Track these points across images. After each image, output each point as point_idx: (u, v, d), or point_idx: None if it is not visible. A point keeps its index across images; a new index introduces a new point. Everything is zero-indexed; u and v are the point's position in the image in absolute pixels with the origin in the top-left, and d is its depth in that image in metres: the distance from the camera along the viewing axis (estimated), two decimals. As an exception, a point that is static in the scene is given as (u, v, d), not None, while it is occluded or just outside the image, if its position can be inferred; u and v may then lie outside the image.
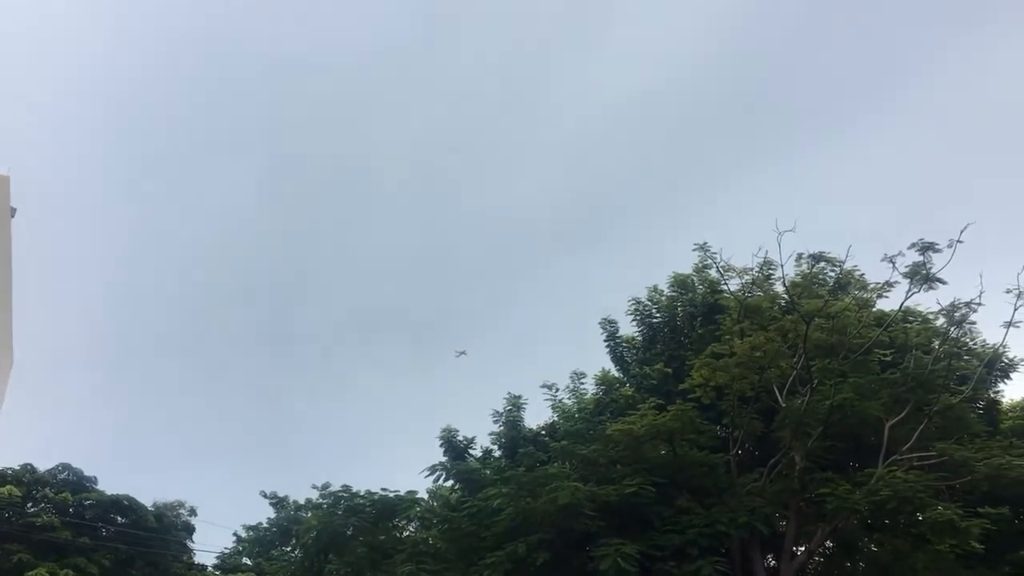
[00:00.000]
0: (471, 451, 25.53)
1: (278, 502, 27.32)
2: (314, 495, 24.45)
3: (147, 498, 56.98)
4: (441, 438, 25.42)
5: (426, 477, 23.61)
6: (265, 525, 25.88)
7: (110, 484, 55.29)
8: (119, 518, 55.06)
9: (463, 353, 28.86)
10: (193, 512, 60.14)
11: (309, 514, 24.25)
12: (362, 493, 23.09)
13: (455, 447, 25.28)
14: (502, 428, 25.26)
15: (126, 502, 54.90)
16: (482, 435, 25.79)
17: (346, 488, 23.28)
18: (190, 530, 59.72)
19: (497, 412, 25.55)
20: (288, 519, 25.67)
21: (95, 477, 55.62)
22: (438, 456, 25.17)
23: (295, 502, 27.18)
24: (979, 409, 24.14)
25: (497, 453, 25.47)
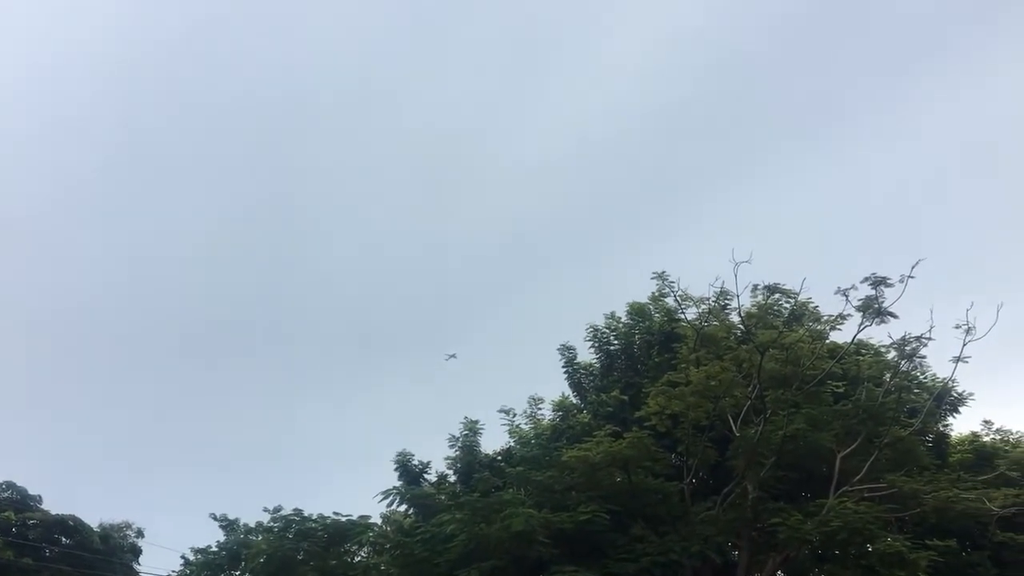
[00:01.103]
0: (426, 476, 25.33)
1: (228, 525, 26.74)
2: (265, 518, 24.02)
3: (93, 518, 55.59)
4: (396, 462, 25.20)
5: (380, 501, 23.41)
6: (214, 548, 25.33)
7: (56, 503, 53.87)
8: (64, 539, 53.58)
9: (453, 356, 28.50)
10: (140, 533, 58.75)
11: (259, 538, 23.79)
12: (314, 517, 22.74)
13: (410, 471, 25.07)
14: (458, 453, 25.11)
15: (71, 522, 53.45)
16: (438, 459, 25.64)
17: (298, 512, 22.92)
18: (137, 552, 58.29)
19: (453, 436, 25.42)
20: (238, 542, 25.12)
21: (40, 496, 54.14)
22: (392, 480, 24.96)
23: (245, 525, 26.63)
24: (928, 442, 24.57)
25: (452, 478, 25.28)
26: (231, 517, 26.79)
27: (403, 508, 24.20)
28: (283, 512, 23.08)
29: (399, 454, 25.31)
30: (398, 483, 24.42)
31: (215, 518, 26.86)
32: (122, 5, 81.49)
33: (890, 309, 19.94)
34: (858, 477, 20.12)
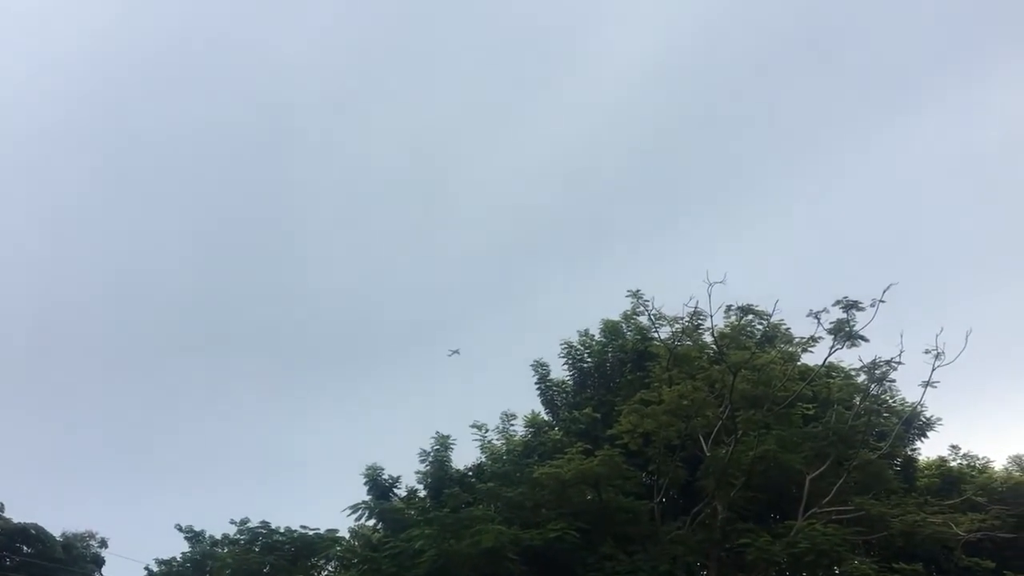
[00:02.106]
0: (396, 490, 25.12)
1: (193, 536, 26.43)
2: (231, 530, 23.74)
3: (56, 527, 54.60)
4: (366, 476, 24.96)
5: (348, 515, 23.20)
6: (179, 560, 25.01)
7: (17, 511, 52.84)
8: (25, 548, 52.55)
9: (456, 352, 28.20)
10: (104, 543, 57.72)
11: (225, 550, 23.51)
12: (281, 530, 22.53)
13: (379, 485, 24.85)
14: (428, 468, 24.93)
15: (33, 531, 52.42)
16: (408, 474, 25.43)
17: (265, 524, 22.69)
18: (99, 563, 57.25)
19: (424, 451, 25.25)
20: (203, 554, 24.85)
21: (1, 503, 53.15)
22: (362, 494, 24.73)
23: (211, 537, 26.30)
24: (896, 466, 24.78)
25: (422, 493, 25.10)
26: (197, 528, 26.49)
27: (372, 522, 23.99)
28: (250, 524, 22.86)
29: (369, 468, 25.09)
30: (367, 497, 24.20)
31: (180, 529, 26.55)
32: (109, 12, 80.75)
33: (861, 333, 20.13)
34: (827, 499, 20.23)
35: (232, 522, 23.47)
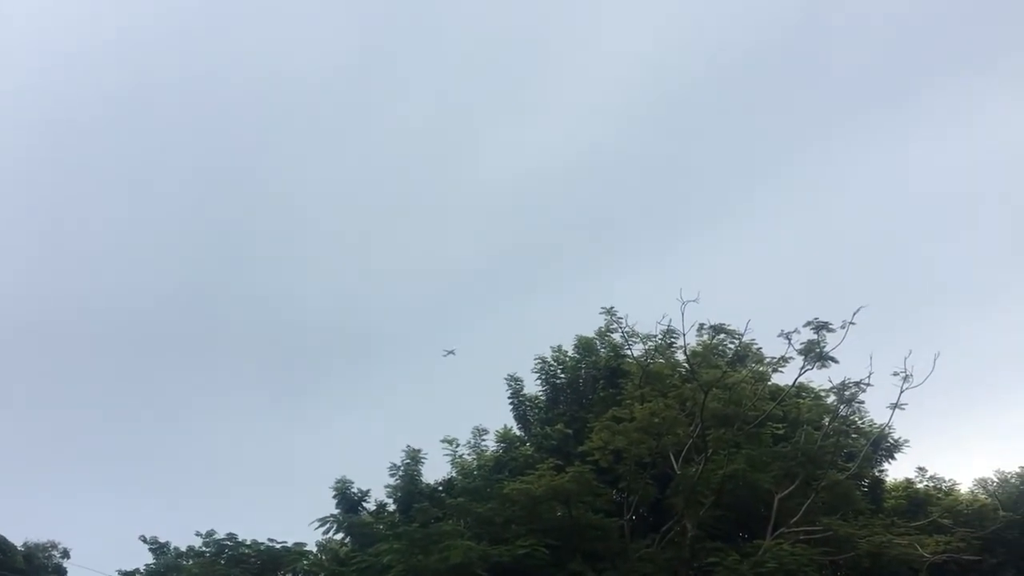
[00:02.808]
0: (365, 504, 24.92)
1: (158, 548, 25.97)
2: (197, 542, 23.40)
3: (17, 536, 53.58)
4: (335, 489, 24.75)
5: (316, 529, 22.99)
6: (142, 572, 24.58)
7: (-21, 520, 51.79)
8: (-16, 557, 51.54)
9: (451, 352, 28.02)
10: (66, 554, 56.62)
11: (190, 562, 23.16)
12: (248, 542, 22.24)
13: (348, 499, 24.63)
14: (398, 482, 24.77)
15: (-7, 540, 51.51)
16: (378, 488, 25.24)
17: (231, 536, 22.40)
18: (62, 573, 56.13)
19: (395, 465, 25.09)
20: (168, 566, 24.42)
21: (-39, 512, 52.09)
22: (331, 507, 24.51)
23: (176, 548, 25.89)
24: (864, 487, 24.99)
25: (392, 507, 24.92)
26: (162, 540, 26.05)
27: (340, 536, 23.79)
28: (216, 536, 22.56)
29: (338, 481, 24.88)
30: (336, 511, 23.99)
31: (145, 540, 26.08)
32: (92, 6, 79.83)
33: (831, 354, 20.34)
34: (795, 519, 20.33)
35: (198, 534, 23.15)
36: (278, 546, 21.84)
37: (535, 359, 26.97)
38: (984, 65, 74.88)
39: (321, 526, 22.70)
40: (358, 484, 25.21)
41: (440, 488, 24.99)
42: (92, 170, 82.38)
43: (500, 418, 27.09)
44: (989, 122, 68.89)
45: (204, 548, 22.63)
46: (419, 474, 25.07)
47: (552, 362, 26.77)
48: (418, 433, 29.01)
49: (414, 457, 25.15)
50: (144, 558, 25.23)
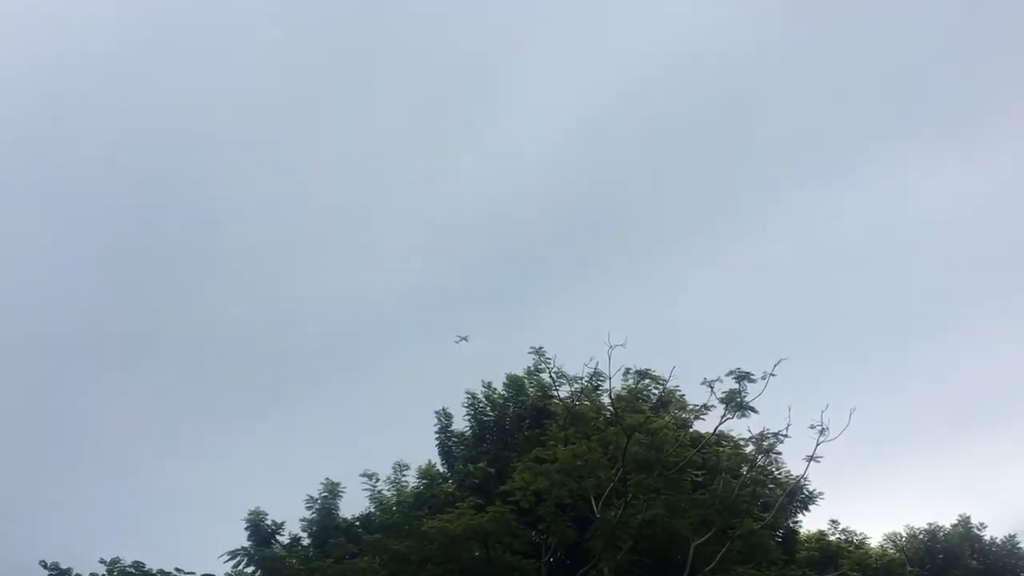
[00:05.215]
0: (278, 537, 24.28)
1: (59, 574, 24.91)
2: (100, 569, 22.48)
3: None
4: (247, 520, 24.07)
5: (225, 562, 22.27)
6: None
7: None
8: None
9: (464, 339, 27.37)
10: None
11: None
12: (154, 571, 21.48)
13: (261, 531, 23.96)
14: (314, 515, 24.24)
15: None
16: (293, 520, 24.63)
17: (137, 565, 21.58)
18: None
19: (311, 498, 24.57)
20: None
21: None
22: (242, 539, 23.82)
23: (79, 575, 24.86)
24: (779, 537, 25.33)
25: (306, 541, 24.34)
26: (63, 566, 24.98)
27: (250, 570, 23.06)
28: (121, 563, 21.74)
29: (251, 512, 24.20)
30: (248, 543, 23.32)
31: (45, 566, 24.96)
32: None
33: (751, 404, 20.79)
34: (710, 567, 20.50)
35: (102, 561, 22.30)
36: (185, 576, 21.10)
37: (465, 394, 26.91)
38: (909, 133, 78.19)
39: (231, 559, 22.02)
40: (272, 516, 24.61)
41: (357, 523, 24.53)
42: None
43: (426, 453, 26.84)
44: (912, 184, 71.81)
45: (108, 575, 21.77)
46: (336, 508, 24.60)
47: (482, 399, 26.70)
48: (340, 466, 28.52)
49: (332, 490, 24.70)
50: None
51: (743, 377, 20.49)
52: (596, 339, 20.26)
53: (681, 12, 77.53)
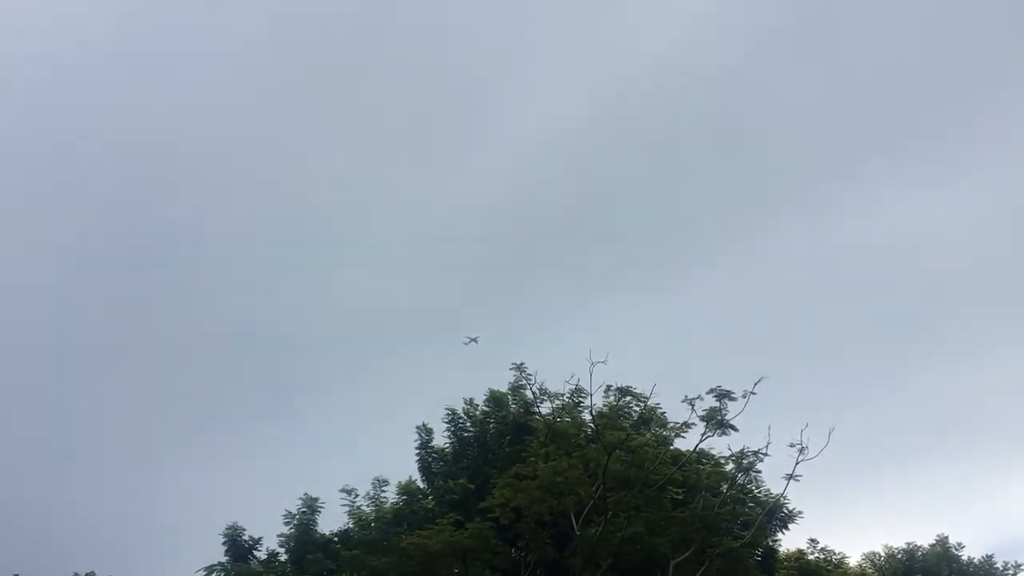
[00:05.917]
0: (256, 552, 24.04)
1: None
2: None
3: None
4: (225, 535, 23.84)
5: (201, 579, 22.06)
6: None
7: None
8: None
9: (474, 340, 27.15)
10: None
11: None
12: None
13: (239, 546, 23.74)
14: (292, 531, 24.01)
15: None
16: (271, 536, 24.39)
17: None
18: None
19: (290, 513, 24.33)
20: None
21: None
22: (219, 554, 23.59)
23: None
24: (758, 555, 25.33)
25: (284, 557, 24.09)
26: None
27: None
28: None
29: (229, 527, 23.98)
30: (224, 558, 23.10)
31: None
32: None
33: (732, 422, 20.85)
34: (689, 585, 20.47)
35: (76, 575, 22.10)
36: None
37: (445, 410, 26.77)
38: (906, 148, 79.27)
39: (208, 575, 21.78)
40: (250, 531, 24.40)
41: (335, 539, 24.32)
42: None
43: (406, 469, 26.66)
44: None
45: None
46: (314, 523, 24.38)
47: (462, 415, 26.59)
48: (322, 481, 28.32)
49: (311, 506, 24.48)
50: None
51: (723, 395, 20.59)
52: (594, 344, 20.34)
53: (681, 12, 78.77)
